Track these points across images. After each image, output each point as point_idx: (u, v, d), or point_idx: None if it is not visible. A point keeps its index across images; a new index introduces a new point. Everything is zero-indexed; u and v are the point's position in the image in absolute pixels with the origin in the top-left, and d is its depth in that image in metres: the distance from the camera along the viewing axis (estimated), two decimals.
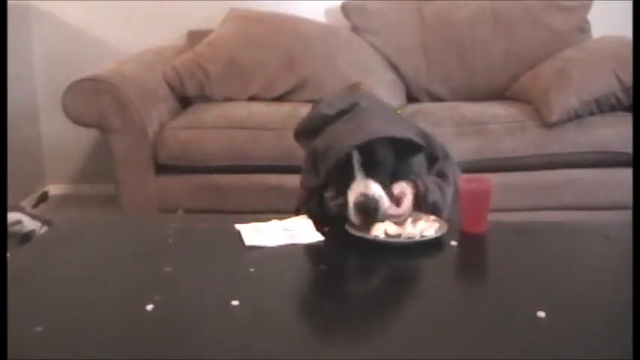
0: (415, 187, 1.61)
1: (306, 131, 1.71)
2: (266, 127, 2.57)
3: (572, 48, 2.89)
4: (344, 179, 1.55)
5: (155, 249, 1.54)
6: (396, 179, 1.61)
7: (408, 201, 1.58)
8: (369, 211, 1.50)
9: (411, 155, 1.66)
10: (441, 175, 1.74)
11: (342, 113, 1.65)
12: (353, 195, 1.51)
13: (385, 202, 1.52)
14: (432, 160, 1.78)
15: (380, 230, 1.48)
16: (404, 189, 1.59)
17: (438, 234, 1.48)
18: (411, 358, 1.06)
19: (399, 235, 1.48)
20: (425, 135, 1.76)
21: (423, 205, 1.62)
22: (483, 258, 1.54)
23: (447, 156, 1.81)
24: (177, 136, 2.59)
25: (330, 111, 1.67)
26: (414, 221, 1.51)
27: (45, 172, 3.48)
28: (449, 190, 1.71)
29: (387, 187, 1.55)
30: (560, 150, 2.55)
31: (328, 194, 1.61)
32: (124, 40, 3.26)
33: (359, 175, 1.53)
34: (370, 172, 1.54)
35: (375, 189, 1.52)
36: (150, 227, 1.74)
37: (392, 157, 1.60)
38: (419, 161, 1.74)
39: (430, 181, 1.69)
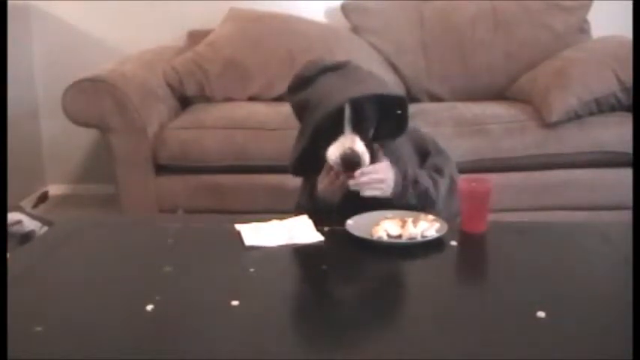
0: (404, 175, 1.66)
1: (297, 86, 1.69)
2: (266, 127, 2.57)
3: (572, 48, 2.89)
4: (329, 134, 1.59)
5: (155, 249, 1.54)
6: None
7: (382, 166, 1.64)
8: (353, 166, 1.58)
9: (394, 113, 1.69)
10: (436, 169, 1.75)
11: (334, 68, 1.67)
12: (340, 147, 1.58)
13: (367, 159, 1.60)
14: (424, 155, 1.80)
15: (382, 231, 1.48)
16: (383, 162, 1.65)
17: (439, 234, 1.48)
18: (412, 358, 1.06)
19: (400, 236, 1.48)
20: (414, 129, 1.78)
21: (414, 191, 1.64)
22: (483, 258, 1.54)
23: (439, 151, 1.82)
24: (177, 136, 2.59)
25: (322, 63, 1.69)
26: (415, 221, 1.50)
27: (45, 172, 3.48)
28: (443, 182, 1.72)
29: (368, 146, 1.62)
30: (560, 150, 2.54)
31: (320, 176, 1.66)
32: (124, 40, 3.25)
33: (347, 129, 1.58)
34: (357, 128, 1.59)
35: (360, 146, 1.58)
36: (150, 227, 1.74)
37: (376, 118, 1.65)
38: (409, 154, 1.76)
39: (423, 173, 1.72)
